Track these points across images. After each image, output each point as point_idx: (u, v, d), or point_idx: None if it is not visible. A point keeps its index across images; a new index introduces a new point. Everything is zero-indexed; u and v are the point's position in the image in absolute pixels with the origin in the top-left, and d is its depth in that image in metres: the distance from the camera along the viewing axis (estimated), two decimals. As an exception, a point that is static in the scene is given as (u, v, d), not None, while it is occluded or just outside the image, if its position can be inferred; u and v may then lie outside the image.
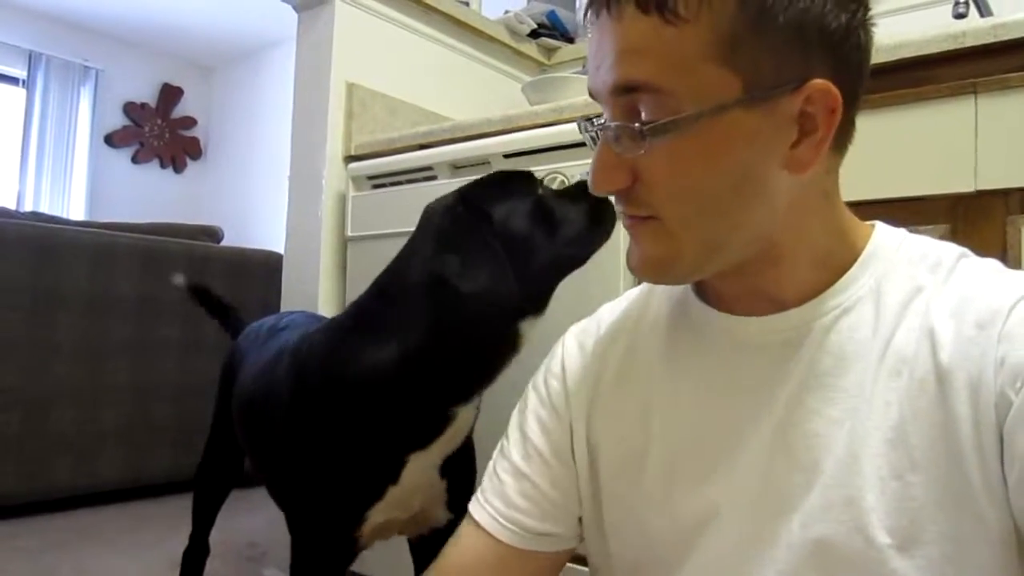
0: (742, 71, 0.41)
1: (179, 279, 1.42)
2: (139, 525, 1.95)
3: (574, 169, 1.06)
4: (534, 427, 0.59)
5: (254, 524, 1.82)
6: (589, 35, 0.47)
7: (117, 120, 4.51)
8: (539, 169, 1.05)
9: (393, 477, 0.81)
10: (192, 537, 1.26)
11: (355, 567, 0.92)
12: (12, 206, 3.86)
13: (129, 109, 4.55)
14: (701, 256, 0.46)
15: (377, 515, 0.82)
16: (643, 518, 0.52)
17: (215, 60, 4.82)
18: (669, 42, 0.41)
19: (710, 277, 0.50)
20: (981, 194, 0.80)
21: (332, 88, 1.50)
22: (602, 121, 0.47)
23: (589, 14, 0.46)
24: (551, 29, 2.00)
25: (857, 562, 0.42)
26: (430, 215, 0.80)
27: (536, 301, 0.77)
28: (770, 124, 0.42)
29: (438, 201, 0.81)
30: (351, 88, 1.52)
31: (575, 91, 1.39)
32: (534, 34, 1.97)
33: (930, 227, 0.83)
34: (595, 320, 0.62)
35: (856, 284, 0.47)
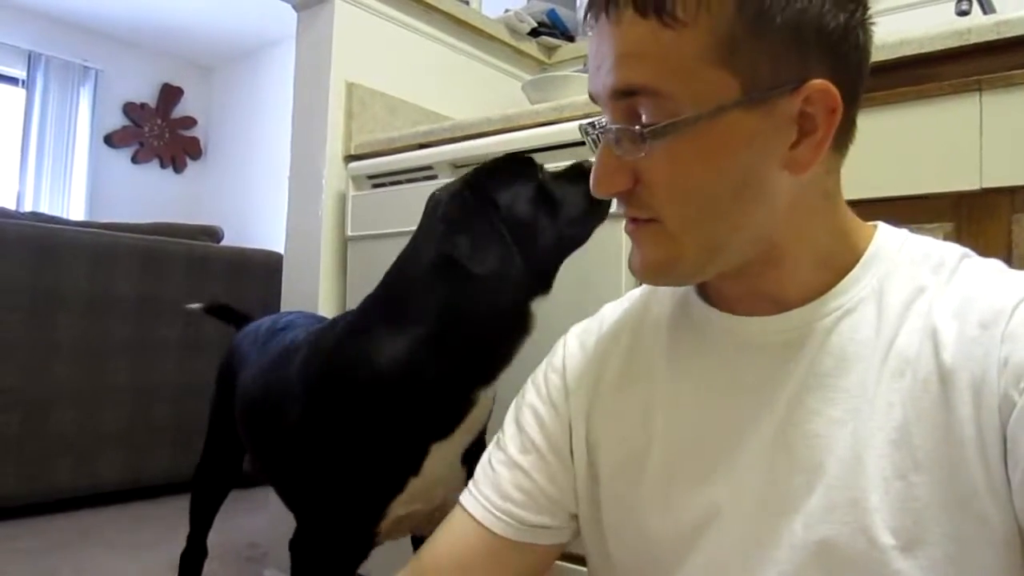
0: (740, 73, 0.41)
1: (195, 306, 1.44)
2: (139, 526, 1.94)
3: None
4: (531, 421, 0.59)
5: (254, 524, 1.82)
6: (589, 35, 0.47)
7: (117, 120, 4.51)
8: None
9: (415, 468, 0.81)
10: (190, 539, 1.25)
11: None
12: (12, 206, 3.86)
13: (129, 109, 4.55)
14: (702, 258, 0.46)
15: (398, 508, 0.82)
16: (643, 518, 0.52)
17: (215, 60, 4.82)
18: (667, 45, 0.42)
19: (712, 278, 0.50)
20: (986, 192, 0.80)
21: (332, 87, 1.49)
22: (603, 124, 0.48)
23: (588, 18, 0.46)
24: (551, 28, 1.99)
25: (860, 563, 0.41)
26: (437, 202, 0.82)
27: (543, 281, 0.80)
28: (769, 125, 0.43)
29: (443, 189, 0.83)
30: (351, 87, 1.51)
31: (575, 90, 1.38)
32: (534, 33, 1.96)
33: (935, 225, 0.82)
34: (597, 320, 0.62)
35: (858, 285, 0.47)
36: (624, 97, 0.44)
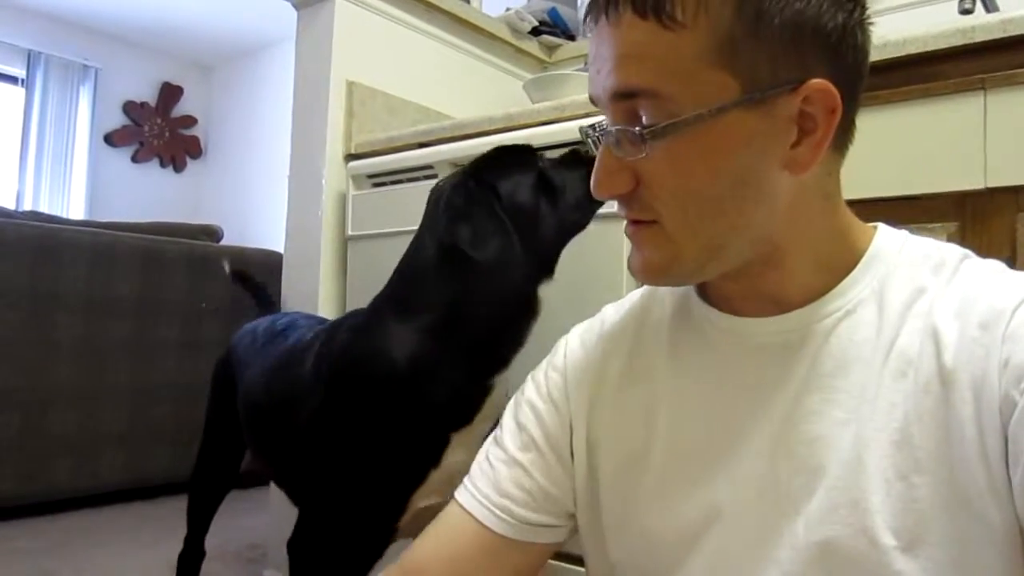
0: (740, 73, 0.42)
1: (226, 266, 1.49)
2: (139, 526, 1.94)
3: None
4: (531, 418, 0.59)
5: (254, 525, 1.82)
6: (589, 38, 0.47)
7: (117, 119, 4.51)
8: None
9: (435, 459, 0.82)
10: (187, 540, 1.25)
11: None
12: (11, 206, 3.86)
13: (129, 108, 4.55)
14: (702, 258, 0.47)
15: (419, 501, 0.82)
16: (644, 518, 0.52)
17: (215, 59, 4.82)
18: (667, 47, 0.42)
19: (713, 278, 0.50)
20: (991, 191, 0.79)
21: (332, 86, 1.49)
22: (603, 126, 0.48)
23: (588, 20, 0.46)
24: (552, 27, 1.99)
25: (862, 564, 0.41)
26: (440, 193, 0.84)
27: (546, 266, 0.83)
28: (769, 124, 0.43)
29: (446, 179, 0.86)
30: (351, 86, 1.51)
31: (576, 89, 1.38)
32: (535, 32, 1.96)
33: (939, 225, 0.82)
34: (598, 320, 0.62)
35: (858, 286, 0.47)
36: (624, 99, 0.44)
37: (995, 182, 0.79)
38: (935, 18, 1.29)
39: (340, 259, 1.47)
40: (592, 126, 0.51)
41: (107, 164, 4.44)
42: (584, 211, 0.82)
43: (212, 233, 2.53)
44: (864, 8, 0.45)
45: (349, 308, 1.43)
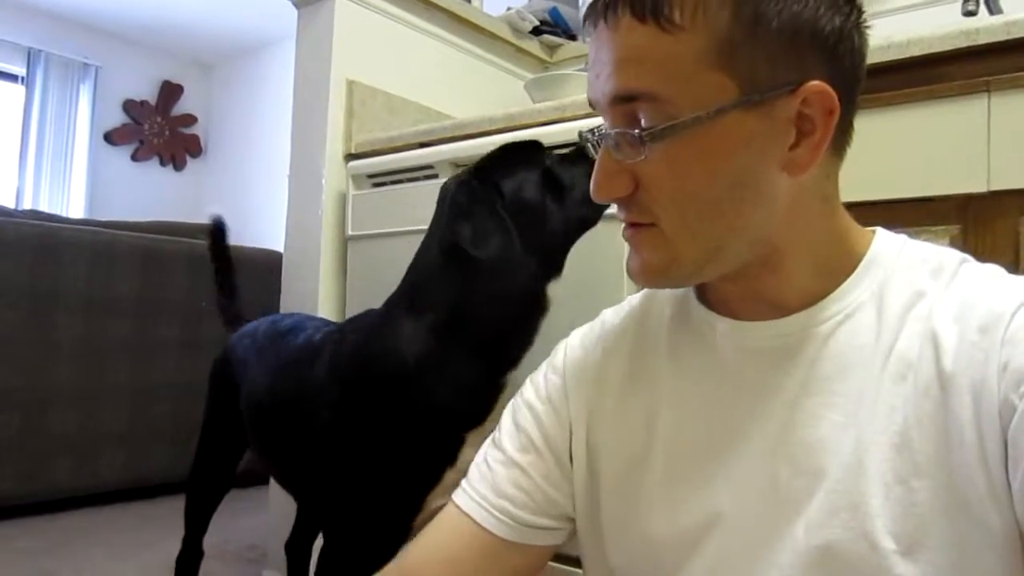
0: (739, 75, 0.42)
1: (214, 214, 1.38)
2: (139, 525, 1.94)
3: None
4: (530, 420, 0.59)
5: (253, 526, 1.82)
6: (588, 42, 0.48)
7: (117, 118, 4.51)
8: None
9: (451, 459, 0.82)
10: (185, 541, 1.25)
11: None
12: (11, 204, 3.86)
13: (129, 107, 4.54)
14: (701, 260, 0.47)
15: (435, 500, 0.83)
16: (644, 521, 0.52)
17: (215, 57, 4.81)
18: (666, 50, 0.42)
19: (712, 281, 0.50)
20: (994, 194, 0.79)
21: (332, 85, 1.48)
22: (602, 129, 0.48)
23: (587, 24, 0.47)
24: (553, 26, 1.99)
25: (861, 567, 0.42)
26: (446, 190, 0.85)
27: (553, 264, 0.83)
28: (768, 126, 0.43)
29: (453, 177, 0.86)
30: (351, 85, 1.50)
31: (577, 89, 1.38)
32: (536, 31, 1.95)
33: (941, 228, 0.82)
34: (598, 323, 0.62)
35: (857, 289, 0.47)
36: (624, 103, 0.44)
37: (998, 185, 0.78)
38: (939, 19, 1.29)
39: (340, 259, 1.47)
40: (591, 130, 0.51)
41: (107, 162, 4.43)
42: (593, 207, 0.82)
43: (212, 232, 2.52)
44: (861, 12, 0.45)
45: (349, 308, 1.43)
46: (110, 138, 4.46)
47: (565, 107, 1.17)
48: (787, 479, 0.45)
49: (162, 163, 4.70)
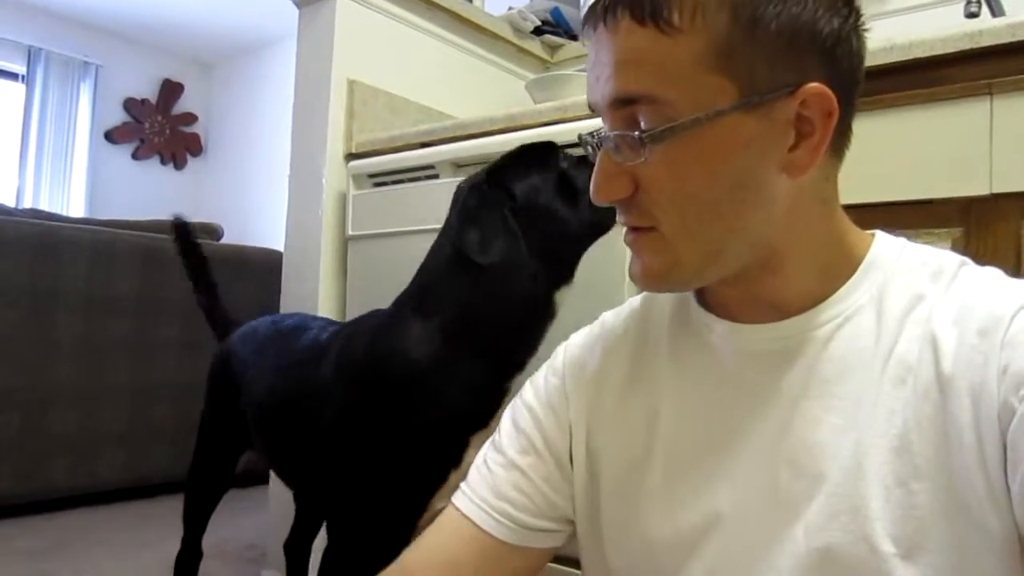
0: (738, 77, 0.42)
1: (176, 213, 1.35)
2: (139, 525, 1.94)
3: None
4: (529, 423, 0.59)
5: (252, 525, 1.82)
6: (588, 45, 0.48)
7: (117, 116, 4.50)
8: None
9: (456, 460, 0.82)
10: (184, 542, 1.24)
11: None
12: (11, 203, 3.85)
13: (129, 105, 4.54)
14: (701, 263, 0.47)
15: (439, 502, 0.83)
16: (644, 523, 0.52)
17: (216, 56, 4.81)
18: (665, 52, 0.42)
19: (712, 285, 0.50)
20: (996, 197, 0.79)
21: (333, 85, 1.48)
22: (602, 132, 0.48)
23: (586, 28, 0.47)
24: (554, 26, 1.98)
25: (861, 570, 0.42)
26: (459, 193, 0.85)
27: (564, 269, 0.82)
28: (767, 128, 0.43)
29: (467, 180, 0.86)
30: (352, 85, 1.50)
31: (579, 89, 1.37)
32: (537, 31, 1.95)
33: (943, 230, 0.82)
34: (598, 326, 0.62)
35: (857, 292, 0.47)
36: (623, 106, 0.45)
37: (1000, 188, 0.78)
38: (941, 21, 1.28)
39: (340, 259, 1.47)
40: (591, 132, 0.51)
41: (107, 161, 4.43)
42: (607, 211, 0.81)
43: (212, 231, 2.52)
44: (859, 14, 0.45)
45: (349, 308, 1.43)
46: (110, 137, 4.45)
47: (567, 107, 1.17)
48: (787, 482, 0.45)
49: (162, 162, 4.70)
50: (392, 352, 0.84)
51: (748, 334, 0.50)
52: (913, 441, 0.42)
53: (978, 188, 0.79)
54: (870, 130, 0.65)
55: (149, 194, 4.51)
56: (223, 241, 2.59)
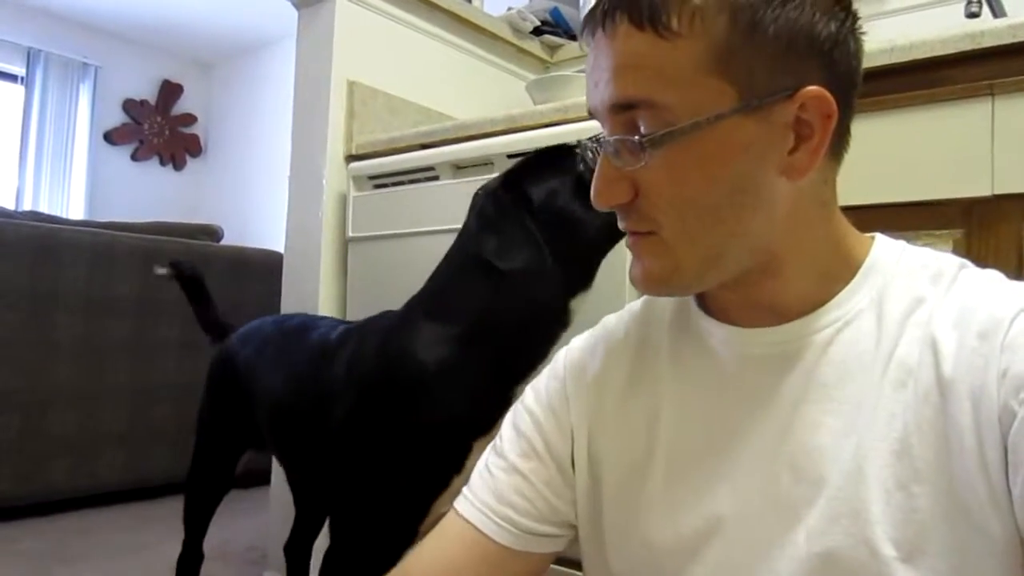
0: (737, 81, 0.42)
1: (161, 270, 1.34)
2: (139, 527, 1.94)
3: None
4: (531, 427, 0.59)
5: (253, 526, 1.82)
6: (587, 48, 0.48)
7: (116, 117, 4.50)
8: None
9: (459, 465, 0.82)
10: (185, 544, 1.24)
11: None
12: (11, 205, 3.86)
13: (129, 106, 4.54)
14: (701, 267, 0.47)
15: (441, 506, 0.83)
16: (645, 527, 0.52)
17: (215, 57, 4.81)
18: (664, 57, 0.42)
19: (712, 289, 0.50)
20: (998, 198, 0.79)
21: (333, 86, 1.48)
22: (602, 137, 0.48)
23: (585, 33, 0.47)
24: (554, 26, 1.98)
25: (862, 574, 0.42)
26: (476, 199, 0.84)
27: (583, 276, 0.81)
28: (766, 131, 0.43)
29: (484, 186, 0.85)
30: (352, 86, 1.50)
31: (579, 90, 1.37)
32: (537, 31, 1.95)
33: (945, 232, 0.81)
34: (599, 329, 0.62)
35: (857, 296, 0.47)
36: (623, 110, 0.45)
37: (1002, 189, 0.78)
38: (941, 21, 1.28)
39: (340, 260, 1.47)
40: (591, 138, 0.51)
41: (107, 162, 4.43)
42: None
43: (212, 233, 2.52)
44: (856, 17, 0.45)
45: (349, 309, 1.43)
46: (110, 138, 4.45)
47: (567, 108, 1.17)
48: (788, 486, 0.45)
49: (162, 163, 4.70)
50: (401, 353, 0.84)
51: (748, 338, 0.50)
52: (913, 444, 0.42)
53: (980, 189, 0.79)
54: (871, 131, 0.65)
55: (149, 195, 4.52)
56: (223, 242, 2.59)
